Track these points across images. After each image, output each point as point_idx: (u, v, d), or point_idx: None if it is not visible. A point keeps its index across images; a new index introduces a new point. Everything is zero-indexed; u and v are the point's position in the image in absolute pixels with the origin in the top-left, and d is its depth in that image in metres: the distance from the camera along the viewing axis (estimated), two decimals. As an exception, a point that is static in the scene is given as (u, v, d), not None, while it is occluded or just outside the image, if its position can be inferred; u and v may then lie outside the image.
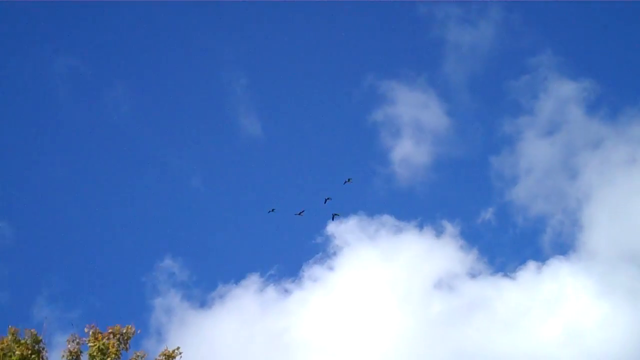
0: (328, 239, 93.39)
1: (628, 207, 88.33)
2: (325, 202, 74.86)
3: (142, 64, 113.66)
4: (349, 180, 74.97)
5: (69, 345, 33.54)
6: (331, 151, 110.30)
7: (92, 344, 32.92)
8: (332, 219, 79.05)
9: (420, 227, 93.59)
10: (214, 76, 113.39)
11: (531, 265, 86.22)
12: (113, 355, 32.63)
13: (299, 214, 77.12)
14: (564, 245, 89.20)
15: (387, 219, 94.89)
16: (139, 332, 33.68)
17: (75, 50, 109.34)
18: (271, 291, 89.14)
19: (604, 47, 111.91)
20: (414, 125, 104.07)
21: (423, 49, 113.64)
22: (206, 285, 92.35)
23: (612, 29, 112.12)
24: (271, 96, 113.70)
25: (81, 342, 33.53)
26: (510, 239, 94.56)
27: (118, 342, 32.92)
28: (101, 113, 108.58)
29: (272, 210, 78.32)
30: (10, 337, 32.59)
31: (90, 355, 33.03)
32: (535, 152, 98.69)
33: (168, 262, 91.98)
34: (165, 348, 33.46)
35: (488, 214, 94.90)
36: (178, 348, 33.41)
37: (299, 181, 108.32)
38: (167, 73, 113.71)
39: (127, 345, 33.28)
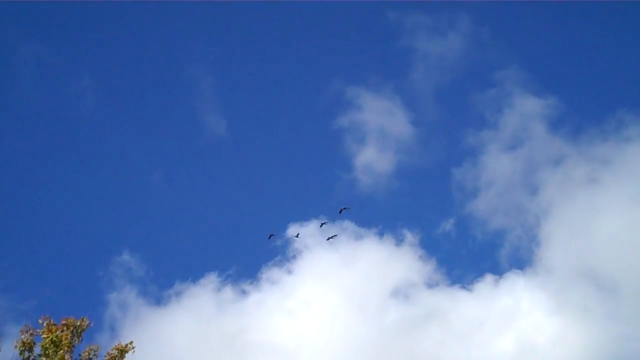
0: (288, 242, 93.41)
1: (586, 226, 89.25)
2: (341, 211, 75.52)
3: (110, 57, 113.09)
4: (343, 209, 75.39)
5: (23, 336, 33.35)
6: (295, 154, 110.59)
7: (45, 336, 32.74)
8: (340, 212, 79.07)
9: (381, 234, 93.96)
10: (180, 72, 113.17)
11: (488, 278, 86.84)
12: (66, 348, 32.47)
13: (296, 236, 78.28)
14: (521, 260, 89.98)
15: (348, 224, 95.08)
16: (92, 325, 33.56)
17: (42, 38, 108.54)
18: (228, 291, 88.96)
19: (570, 65, 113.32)
20: (378, 132, 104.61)
21: (391, 57, 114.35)
22: (163, 282, 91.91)
23: (578, 48, 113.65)
24: (238, 96, 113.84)
25: (35, 333, 33.35)
26: (469, 251, 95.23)
27: (71, 335, 32.78)
28: (65, 103, 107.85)
29: (271, 235, 79.05)
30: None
31: (43, 347, 32.84)
32: (497, 166, 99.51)
33: (125, 257, 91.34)
34: (119, 342, 33.40)
35: (448, 225, 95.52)
36: (131, 342, 33.36)
37: (261, 182, 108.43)
38: (134, 67, 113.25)
39: (80, 338, 33.15)
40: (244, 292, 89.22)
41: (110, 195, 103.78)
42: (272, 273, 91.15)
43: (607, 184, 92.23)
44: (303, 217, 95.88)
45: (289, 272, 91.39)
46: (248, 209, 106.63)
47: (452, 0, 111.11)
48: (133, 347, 33.32)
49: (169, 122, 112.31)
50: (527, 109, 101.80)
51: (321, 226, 78.48)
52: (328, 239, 77.67)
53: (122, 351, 33.09)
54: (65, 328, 32.92)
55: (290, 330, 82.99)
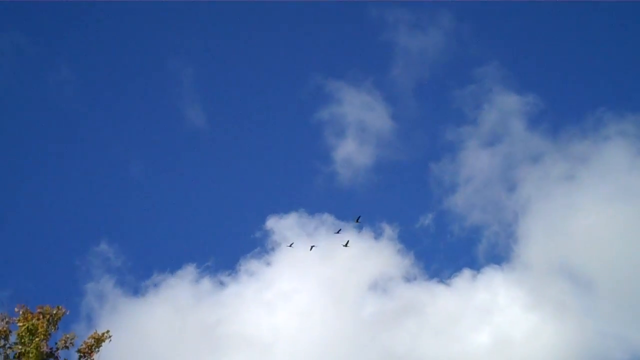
0: (267, 234, 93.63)
1: (563, 223, 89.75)
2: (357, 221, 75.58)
3: (90, 48, 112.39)
4: (358, 219, 75.56)
5: (-1, 324, 33.21)
6: (275, 147, 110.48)
7: (21, 324, 32.61)
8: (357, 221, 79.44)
9: (360, 228, 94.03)
10: (161, 64, 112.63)
11: (466, 273, 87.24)
12: (42, 336, 32.36)
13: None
14: (498, 256, 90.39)
15: (327, 217, 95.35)
16: (67, 313, 33.42)
17: (22, 28, 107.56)
18: (206, 283, 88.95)
19: (550, 63, 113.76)
20: (358, 126, 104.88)
21: (372, 52, 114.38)
22: (141, 272, 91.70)
23: (558, 46, 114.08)
24: (218, 88, 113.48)
25: (11, 321, 33.20)
26: (447, 246, 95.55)
27: (47, 323, 32.65)
28: (44, 93, 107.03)
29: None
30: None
31: (18, 335, 32.70)
32: (475, 162, 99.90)
33: (103, 247, 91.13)
34: (95, 331, 33.34)
35: (427, 220, 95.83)
36: (108, 331, 33.31)
37: (240, 175, 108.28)
38: (114, 58, 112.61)
39: (56, 327, 33.03)
40: (222, 284, 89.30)
41: (89, 185, 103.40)
42: (250, 265, 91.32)
43: (584, 181, 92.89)
44: (282, 209, 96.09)
45: (268, 264, 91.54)
46: (227, 201, 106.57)
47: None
48: (109, 336, 33.28)
49: (149, 113, 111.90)
50: (506, 106, 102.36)
51: (338, 232, 78.35)
52: (346, 244, 77.36)
53: (99, 340, 33.04)
54: (41, 316, 32.80)
55: (268, 322, 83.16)
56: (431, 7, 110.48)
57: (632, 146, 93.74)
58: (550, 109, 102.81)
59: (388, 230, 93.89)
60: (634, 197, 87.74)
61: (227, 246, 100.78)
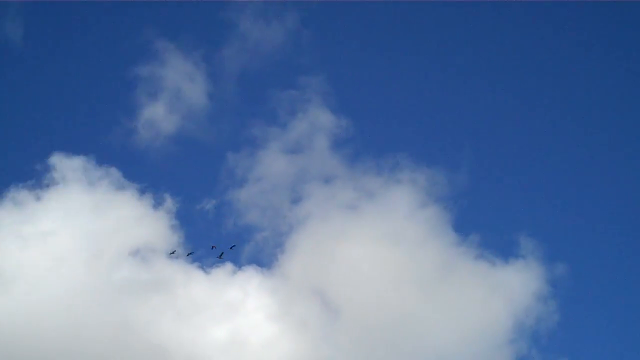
0: (47, 169, 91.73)
1: (330, 247, 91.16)
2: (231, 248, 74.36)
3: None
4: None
5: None
6: (82, 84, 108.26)
7: None
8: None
9: (142, 192, 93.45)
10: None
11: (228, 267, 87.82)
12: None
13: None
14: (261, 261, 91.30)
15: (114, 172, 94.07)
16: None
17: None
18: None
19: (373, 92, 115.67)
20: (173, 93, 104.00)
21: (211, 25, 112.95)
22: None
23: (385, 77, 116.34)
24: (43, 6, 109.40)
25: None
26: (219, 236, 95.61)
27: None
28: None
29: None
30: None
31: None
32: (271, 164, 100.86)
33: None
34: None
35: (208, 205, 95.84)
36: None
37: (37, 101, 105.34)
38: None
39: None
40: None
41: None
42: (19, 194, 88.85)
43: (365, 215, 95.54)
44: (71, 149, 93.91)
45: (38, 199, 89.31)
46: (16, 123, 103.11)
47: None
48: None
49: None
50: (318, 121, 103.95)
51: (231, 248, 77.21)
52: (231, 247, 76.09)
53: None
54: None
55: (15, 256, 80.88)
56: (282, 4, 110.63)
57: (418, 197, 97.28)
58: (356, 139, 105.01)
59: (169, 202, 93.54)
60: (403, 244, 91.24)
61: (0, 168, 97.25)
